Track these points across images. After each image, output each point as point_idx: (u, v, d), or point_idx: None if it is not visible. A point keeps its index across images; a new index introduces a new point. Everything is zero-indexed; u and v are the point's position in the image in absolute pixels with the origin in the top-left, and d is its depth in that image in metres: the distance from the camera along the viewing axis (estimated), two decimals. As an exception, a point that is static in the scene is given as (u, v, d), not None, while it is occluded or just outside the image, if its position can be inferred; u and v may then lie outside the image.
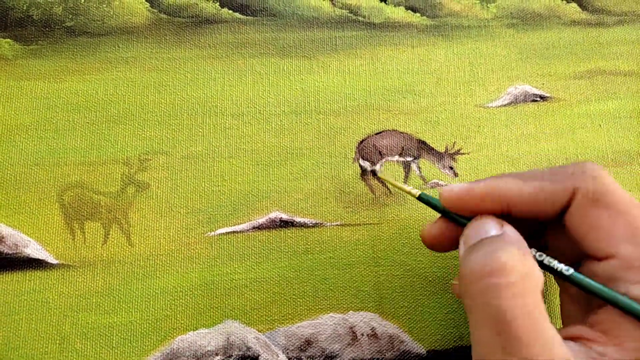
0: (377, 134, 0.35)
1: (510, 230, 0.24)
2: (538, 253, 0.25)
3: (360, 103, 0.36)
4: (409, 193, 0.29)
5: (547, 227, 0.27)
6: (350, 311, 0.32)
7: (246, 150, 0.34)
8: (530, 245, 0.26)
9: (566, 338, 0.23)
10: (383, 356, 0.31)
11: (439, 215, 0.28)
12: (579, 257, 0.25)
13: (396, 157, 0.35)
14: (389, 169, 0.35)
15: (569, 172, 0.24)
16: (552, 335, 0.21)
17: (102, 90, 0.34)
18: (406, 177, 0.35)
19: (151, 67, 0.35)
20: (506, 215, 0.25)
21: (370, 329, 0.32)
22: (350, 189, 0.34)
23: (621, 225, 0.23)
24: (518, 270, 0.21)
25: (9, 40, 0.34)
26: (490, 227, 0.24)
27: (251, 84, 0.35)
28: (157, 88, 0.35)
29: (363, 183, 0.34)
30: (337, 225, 0.33)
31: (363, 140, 0.35)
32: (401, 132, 0.35)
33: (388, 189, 0.34)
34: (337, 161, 0.34)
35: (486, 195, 0.25)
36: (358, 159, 0.35)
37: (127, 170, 0.33)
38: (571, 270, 0.24)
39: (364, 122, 0.35)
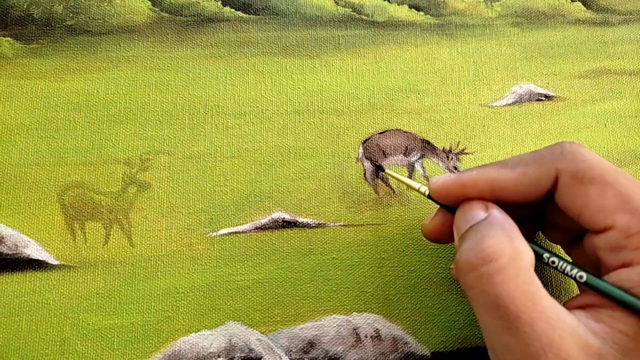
0: (380, 133, 0.36)
1: (495, 212, 0.25)
2: (551, 259, 0.25)
3: (364, 102, 0.36)
4: (417, 189, 0.30)
5: (546, 205, 0.28)
6: (354, 312, 0.32)
7: (248, 150, 0.34)
8: (531, 230, 0.28)
9: (574, 308, 0.23)
10: (387, 358, 0.32)
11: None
12: (580, 230, 0.26)
13: (400, 157, 0.36)
14: (393, 170, 0.35)
15: (549, 154, 0.25)
16: (553, 307, 0.22)
17: (104, 90, 0.34)
18: (410, 177, 0.35)
19: (153, 66, 0.35)
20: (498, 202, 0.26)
21: (374, 331, 0.32)
22: (354, 189, 0.34)
23: (611, 196, 0.24)
24: (506, 253, 0.22)
25: (9, 39, 0.35)
26: (477, 211, 0.25)
27: (253, 83, 0.36)
28: (158, 87, 0.35)
29: (366, 183, 0.35)
30: (340, 225, 0.33)
31: (366, 139, 0.35)
32: (405, 132, 0.36)
33: (392, 188, 0.35)
34: (340, 161, 0.35)
35: (473, 184, 0.26)
36: (361, 159, 0.35)
37: (128, 170, 0.33)
38: (585, 277, 0.24)
39: (368, 121, 0.36)
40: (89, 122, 0.34)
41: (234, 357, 0.30)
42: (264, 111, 0.35)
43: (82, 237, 0.32)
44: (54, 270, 0.31)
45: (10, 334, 0.30)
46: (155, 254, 0.32)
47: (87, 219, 0.32)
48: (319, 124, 0.35)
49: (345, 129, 0.35)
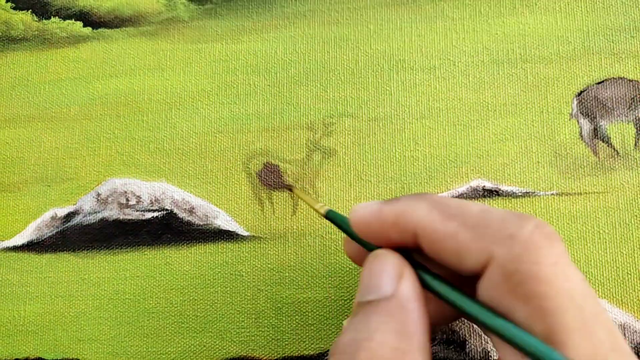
0: (598, 83, 0.30)
1: (404, 293, 0.18)
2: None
3: (577, 46, 0.31)
4: (316, 210, 0.24)
5: None
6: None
7: (440, 109, 0.31)
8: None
9: None
10: (613, 348, 0.27)
11: None
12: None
13: (624, 112, 0.30)
14: (613, 129, 0.30)
15: (498, 228, 0.18)
16: None
17: (281, 49, 0.32)
18: (639, 136, 0.29)
19: (330, 20, 0.32)
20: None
21: (597, 317, 0.28)
22: (568, 151, 0.29)
23: (539, 332, 0.16)
24: None
25: (183, 0, 0.34)
26: (384, 280, 0.19)
27: (443, 32, 0.31)
28: (338, 43, 0.32)
29: (583, 144, 0.29)
30: (552, 194, 0.29)
31: (581, 91, 0.30)
32: (630, 80, 0.30)
33: (616, 150, 0.29)
34: (550, 118, 0.30)
35: (394, 223, 0.20)
36: (576, 115, 0.30)
37: (312, 136, 0.31)
38: None
39: (582, 69, 0.30)
40: (268, 85, 0.32)
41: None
42: (457, 64, 0.31)
43: (270, 207, 0.30)
44: (244, 242, 0.30)
45: (207, 304, 0.29)
46: (344, 225, 0.30)
47: (274, 189, 0.30)
48: (522, 76, 0.30)
49: (554, 80, 0.30)
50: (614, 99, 0.30)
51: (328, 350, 0.28)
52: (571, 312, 0.16)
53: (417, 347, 0.18)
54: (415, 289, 0.19)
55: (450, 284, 0.19)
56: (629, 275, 0.28)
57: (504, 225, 0.18)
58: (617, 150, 0.29)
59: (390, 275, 0.19)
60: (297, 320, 0.29)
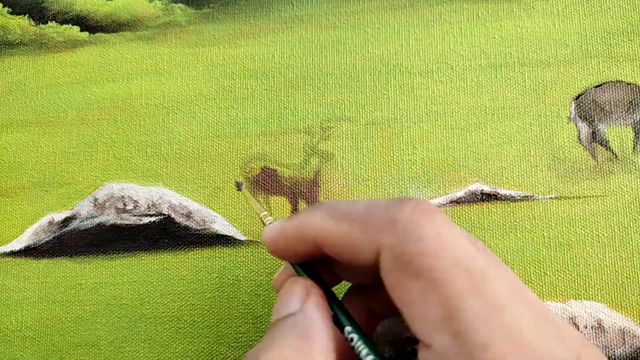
0: (596, 86, 0.30)
1: (309, 308, 0.20)
2: (350, 336, 0.20)
3: (575, 50, 0.31)
4: (260, 218, 0.25)
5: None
6: (571, 300, 0.28)
7: (438, 113, 0.31)
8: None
9: None
10: (612, 352, 0.27)
11: None
12: None
13: (622, 115, 0.30)
14: (611, 132, 0.30)
15: (380, 217, 0.19)
16: None
17: (279, 54, 0.32)
18: (637, 140, 0.30)
19: (328, 24, 0.33)
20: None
21: (596, 321, 0.28)
22: (566, 154, 0.29)
23: (434, 304, 0.17)
24: None
25: (180, 5, 0.34)
26: (292, 299, 0.20)
27: (440, 36, 0.32)
28: (335, 47, 0.32)
29: (582, 147, 0.30)
30: (550, 198, 0.29)
31: (579, 95, 0.30)
32: (628, 83, 0.30)
33: (614, 153, 0.29)
34: (549, 122, 0.30)
35: (298, 236, 0.21)
36: (574, 119, 0.30)
37: (309, 140, 0.31)
38: None
39: (580, 73, 0.30)
40: (266, 89, 0.32)
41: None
42: (454, 67, 0.31)
43: (267, 211, 0.30)
44: (242, 246, 0.30)
45: (205, 309, 0.30)
46: (342, 229, 0.30)
47: (271, 193, 0.31)
48: (520, 79, 0.31)
49: (552, 84, 0.30)
50: (612, 102, 0.30)
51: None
52: (460, 277, 0.17)
53: (321, 349, 0.19)
54: (320, 303, 0.20)
55: (337, 301, 0.21)
56: (628, 280, 0.28)
57: (386, 212, 0.19)
58: (615, 154, 0.29)
59: (299, 294, 0.20)
60: (295, 325, 0.29)
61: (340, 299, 0.22)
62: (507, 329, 0.16)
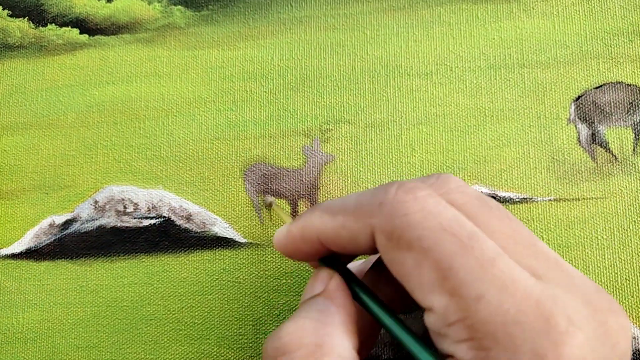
0: (596, 88, 0.30)
1: (331, 287, 0.22)
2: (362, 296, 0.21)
3: (574, 51, 0.31)
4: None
5: None
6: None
7: (437, 115, 0.31)
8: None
9: None
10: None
11: None
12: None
13: (622, 116, 0.30)
14: (611, 134, 0.30)
15: (368, 204, 0.21)
16: None
17: (278, 56, 0.33)
18: (637, 141, 0.30)
19: (327, 26, 0.33)
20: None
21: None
22: (565, 156, 0.30)
23: (427, 269, 0.18)
24: (304, 345, 0.19)
25: (179, 7, 0.34)
26: (318, 282, 0.22)
27: (439, 38, 0.32)
28: (334, 49, 0.32)
29: (581, 149, 0.30)
30: (549, 200, 0.29)
31: (579, 96, 0.30)
32: (628, 85, 0.30)
33: (614, 155, 0.29)
34: (548, 123, 0.30)
35: (302, 237, 0.23)
36: (574, 120, 0.30)
37: (308, 143, 0.31)
38: None
39: (580, 74, 0.31)
40: (265, 92, 0.32)
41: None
42: (453, 69, 0.31)
43: (267, 214, 0.31)
44: (242, 249, 0.31)
45: (205, 311, 0.30)
46: (341, 232, 0.30)
47: (271, 195, 0.31)
48: (519, 81, 0.31)
49: (552, 85, 0.31)
50: (612, 104, 0.30)
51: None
52: (447, 240, 0.18)
53: (339, 320, 0.20)
54: (340, 284, 0.22)
55: (365, 288, 0.22)
56: (628, 281, 0.28)
57: (374, 198, 0.20)
58: (615, 156, 0.30)
59: (324, 277, 0.22)
60: (294, 328, 0.29)
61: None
62: (500, 279, 0.17)
